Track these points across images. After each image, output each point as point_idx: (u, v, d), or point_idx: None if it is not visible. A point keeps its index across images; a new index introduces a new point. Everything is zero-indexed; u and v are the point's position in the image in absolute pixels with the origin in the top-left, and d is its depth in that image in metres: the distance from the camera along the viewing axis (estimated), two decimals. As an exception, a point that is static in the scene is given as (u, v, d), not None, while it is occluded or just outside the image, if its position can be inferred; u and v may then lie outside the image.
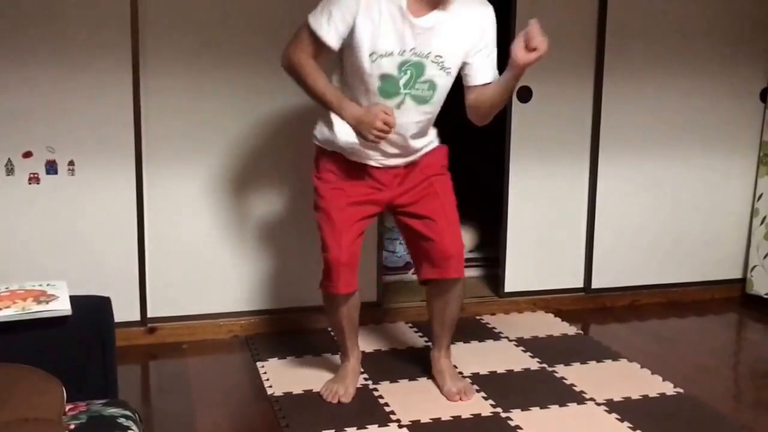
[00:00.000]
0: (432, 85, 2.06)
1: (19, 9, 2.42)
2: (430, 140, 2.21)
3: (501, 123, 2.96)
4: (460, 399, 2.25)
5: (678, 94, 3.06)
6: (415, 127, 2.11)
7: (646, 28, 2.98)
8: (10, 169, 2.50)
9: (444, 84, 2.09)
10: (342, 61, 2.10)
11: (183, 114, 2.62)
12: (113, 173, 2.57)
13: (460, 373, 2.43)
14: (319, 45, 2.03)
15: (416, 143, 2.15)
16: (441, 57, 2.04)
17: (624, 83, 2.98)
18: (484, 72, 2.11)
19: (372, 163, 2.15)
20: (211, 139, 2.66)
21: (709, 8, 3.03)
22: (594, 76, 2.96)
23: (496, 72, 2.13)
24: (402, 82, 2.03)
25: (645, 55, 2.99)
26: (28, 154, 2.50)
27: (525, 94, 2.90)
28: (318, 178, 2.20)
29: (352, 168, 2.16)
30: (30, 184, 2.52)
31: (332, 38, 2.01)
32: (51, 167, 2.52)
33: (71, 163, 2.54)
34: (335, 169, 2.17)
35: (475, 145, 3.64)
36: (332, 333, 2.34)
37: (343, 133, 2.09)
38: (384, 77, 2.02)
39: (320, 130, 2.18)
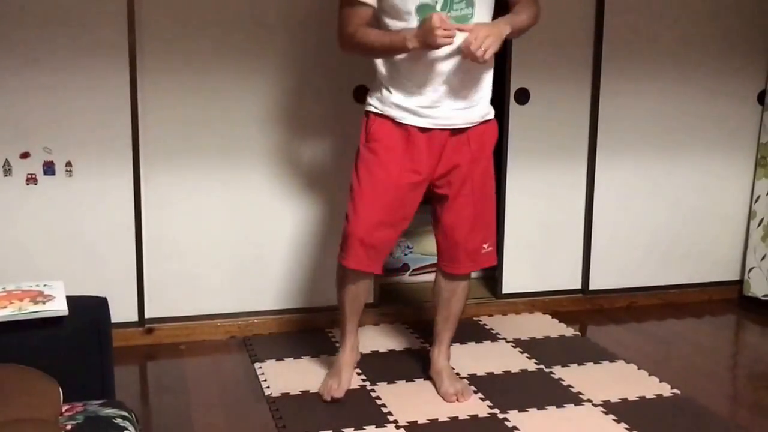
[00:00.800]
0: (470, 2, 2.04)
1: (16, 9, 2.42)
2: (486, 100, 2.17)
3: (498, 125, 2.97)
4: (457, 400, 2.25)
5: (675, 96, 3.07)
6: (471, 67, 2.06)
7: (643, 30, 2.98)
8: (7, 170, 2.50)
9: None
10: (378, 18, 2.10)
11: (180, 114, 2.62)
12: (111, 174, 2.57)
13: (458, 374, 2.44)
14: (359, 10, 2.05)
15: (468, 84, 2.10)
16: None
17: (621, 85, 2.99)
18: None
19: (423, 123, 2.10)
20: (208, 140, 2.66)
21: (707, 10, 3.04)
22: (591, 78, 2.97)
23: None
24: (439, 6, 2.02)
25: (642, 57, 3.00)
26: (25, 155, 2.50)
27: (522, 96, 2.90)
28: (367, 147, 2.14)
29: (402, 132, 2.11)
30: (27, 184, 2.52)
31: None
32: (48, 168, 2.52)
33: (69, 163, 2.54)
34: (389, 139, 2.11)
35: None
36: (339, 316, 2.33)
37: (398, 93, 2.09)
38: (420, 8, 2.02)
39: (375, 97, 2.15)
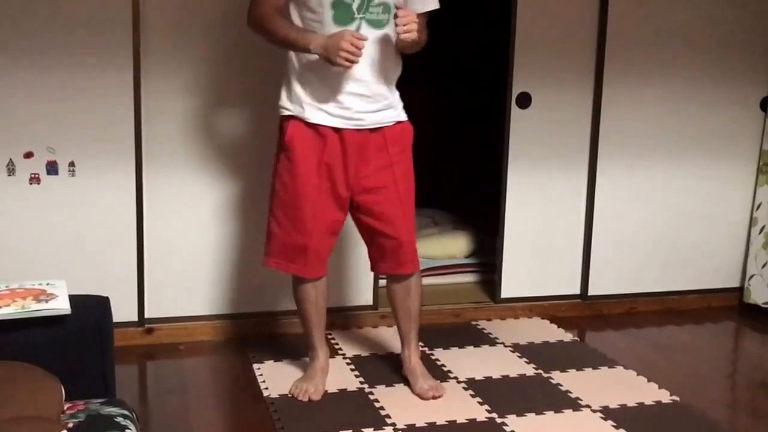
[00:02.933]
0: (386, 8, 2.05)
1: (21, 10, 2.43)
2: (395, 100, 2.18)
3: (499, 129, 2.98)
4: (433, 397, 2.27)
5: (678, 102, 3.07)
6: (376, 55, 2.08)
7: (646, 36, 2.99)
8: (11, 170, 2.50)
9: (394, 6, 2.07)
10: (292, 7, 2.09)
11: (183, 115, 2.63)
12: (113, 174, 2.58)
13: (455, 378, 2.44)
14: None
15: (380, 85, 2.11)
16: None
17: (623, 90, 3.00)
18: (427, 3, 2.13)
19: (336, 123, 2.10)
20: (211, 141, 2.67)
21: (710, 16, 3.04)
22: (594, 83, 2.97)
23: (435, 2, 2.14)
24: (355, 6, 2.03)
25: (645, 63, 3.00)
26: (29, 155, 2.51)
27: (524, 101, 2.91)
28: (285, 156, 2.16)
29: (318, 138, 2.12)
30: (31, 184, 2.52)
31: None
32: (52, 168, 2.53)
33: (72, 163, 2.55)
34: (304, 147, 2.12)
35: (473, 150, 3.66)
36: (302, 325, 2.34)
37: (304, 89, 2.11)
38: (336, 4, 2.02)
39: (285, 98, 2.17)
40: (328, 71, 2.07)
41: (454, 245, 3.38)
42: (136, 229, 2.63)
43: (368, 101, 2.12)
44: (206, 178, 2.68)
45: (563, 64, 2.93)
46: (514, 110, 2.90)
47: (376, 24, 2.06)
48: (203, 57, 2.61)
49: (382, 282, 3.03)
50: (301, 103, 2.12)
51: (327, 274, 2.28)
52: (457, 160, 3.75)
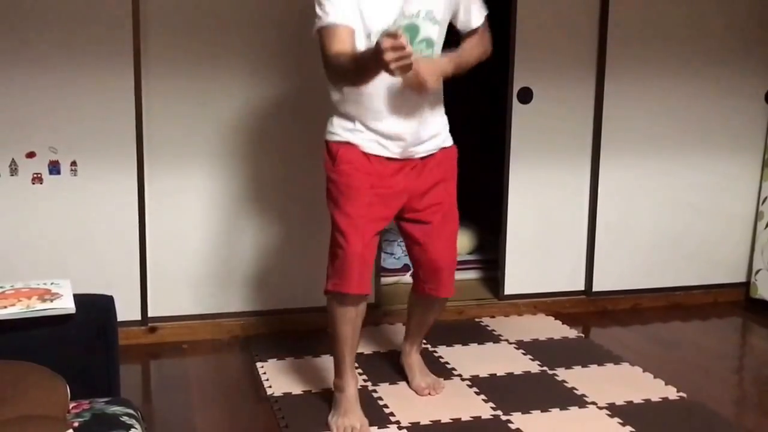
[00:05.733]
0: (429, 43, 2.04)
1: (22, 11, 2.42)
2: (444, 126, 2.17)
3: (501, 124, 2.97)
4: (429, 394, 2.26)
5: (681, 95, 3.05)
6: (427, 101, 2.06)
7: (648, 29, 2.97)
8: (13, 170, 2.50)
9: (439, 37, 2.05)
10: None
11: (184, 114, 2.62)
12: (115, 173, 2.57)
13: (459, 375, 2.43)
14: (339, 35, 1.93)
15: (430, 117, 2.09)
16: (431, 11, 2.02)
17: (626, 84, 2.98)
18: (475, 15, 2.12)
19: (388, 153, 2.06)
20: (212, 140, 2.66)
21: (712, 9, 3.03)
22: (596, 77, 2.96)
23: (484, 8, 2.14)
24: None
25: (647, 56, 2.99)
26: (31, 155, 2.51)
27: (525, 95, 2.90)
28: (335, 171, 2.07)
29: (371, 162, 2.07)
30: (33, 184, 2.52)
31: (341, 16, 1.94)
32: (54, 167, 2.53)
33: (74, 163, 2.54)
34: (354, 162, 2.05)
35: (475, 146, 3.64)
36: (333, 350, 2.16)
37: (364, 118, 2.04)
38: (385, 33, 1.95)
39: (338, 124, 2.08)
40: (377, 98, 2.02)
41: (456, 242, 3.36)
42: (139, 228, 2.62)
43: (417, 134, 2.08)
44: (208, 177, 2.68)
45: (564, 58, 2.91)
46: (516, 105, 2.89)
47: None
48: (203, 57, 2.61)
49: (384, 280, 3.03)
50: (354, 132, 2.06)
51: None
52: (459, 156, 3.73)
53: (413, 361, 2.34)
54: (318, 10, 1.99)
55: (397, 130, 2.05)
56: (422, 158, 2.13)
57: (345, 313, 2.06)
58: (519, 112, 2.90)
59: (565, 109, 2.95)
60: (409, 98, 2.02)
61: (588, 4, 2.90)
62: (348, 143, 2.08)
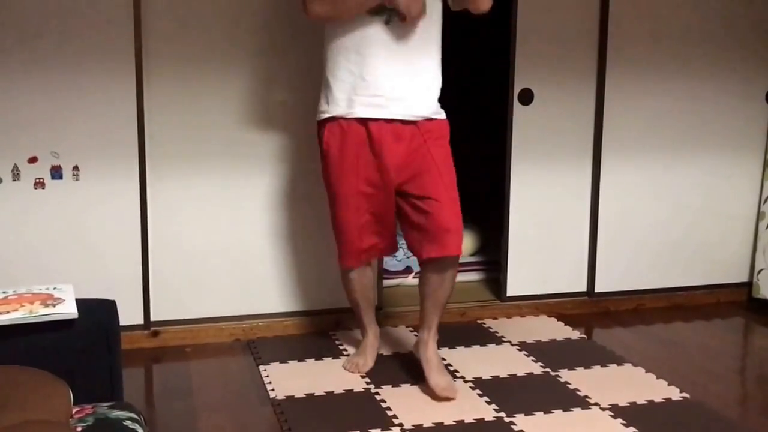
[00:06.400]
0: None
1: (23, 16, 2.43)
2: (434, 95, 2.20)
3: (502, 125, 2.97)
4: (447, 398, 2.24)
5: (681, 96, 3.06)
6: (411, 49, 2.11)
7: (648, 30, 2.98)
8: (16, 175, 2.51)
9: None
10: None
11: (186, 119, 2.63)
12: (117, 178, 2.58)
13: (462, 377, 2.43)
14: None
15: (413, 77, 2.13)
16: None
17: (626, 85, 2.98)
18: None
19: (374, 113, 2.14)
20: (214, 144, 2.67)
21: (713, 10, 3.03)
22: (596, 78, 2.96)
23: None
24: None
25: (647, 57, 2.99)
26: (33, 160, 2.52)
27: (526, 97, 2.90)
28: (321, 150, 2.26)
29: (356, 137, 2.18)
30: (36, 189, 2.53)
31: None
32: (56, 172, 2.53)
33: (76, 168, 2.55)
34: (335, 136, 2.20)
35: (476, 147, 3.64)
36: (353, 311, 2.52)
37: (341, 83, 2.16)
38: None
39: (322, 101, 2.24)
40: (359, 56, 2.11)
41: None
42: (141, 232, 2.63)
43: (400, 90, 2.15)
44: (209, 181, 2.68)
45: (565, 59, 2.92)
46: (517, 107, 2.89)
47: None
48: (205, 60, 2.61)
49: (386, 282, 3.03)
50: (336, 101, 2.18)
51: (371, 263, 2.43)
52: (460, 157, 3.74)
53: (431, 353, 2.29)
54: None
55: (382, 74, 2.10)
56: (405, 123, 2.16)
57: (349, 282, 2.40)
58: (520, 113, 2.90)
59: (565, 111, 2.95)
60: (387, 37, 2.08)
61: (588, 5, 2.91)
62: (331, 119, 2.20)
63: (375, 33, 2.10)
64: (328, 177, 2.28)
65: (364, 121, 2.18)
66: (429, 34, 2.16)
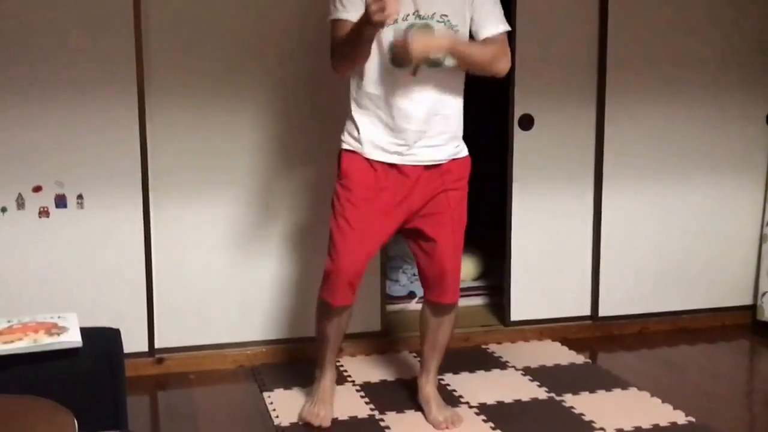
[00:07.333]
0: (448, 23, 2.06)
1: (27, 46, 2.47)
2: (458, 138, 2.18)
3: (503, 150, 2.99)
4: (447, 428, 2.23)
5: (682, 119, 3.07)
6: (436, 96, 2.10)
7: (647, 54, 3.00)
8: (21, 203, 2.53)
9: None
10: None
11: (188, 147, 2.65)
12: (121, 206, 2.60)
13: (466, 403, 2.42)
14: (344, 24, 2.02)
15: (437, 122, 2.12)
16: (446, 15, 2.05)
17: (626, 109, 3.00)
18: (487, 25, 2.11)
19: (392, 159, 2.11)
20: (216, 171, 2.69)
21: (712, 32, 3.05)
22: (596, 103, 2.98)
23: (504, 24, 2.13)
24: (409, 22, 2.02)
25: (647, 81, 3.01)
26: (38, 189, 2.54)
27: (526, 123, 2.92)
28: (340, 184, 2.16)
29: (377, 172, 2.13)
30: (40, 217, 2.55)
31: (354, 15, 1.99)
32: (60, 201, 2.55)
33: (80, 196, 2.57)
34: (356, 172, 2.13)
35: (478, 173, 3.66)
36: (317, 347, 2.34)
37: (367, 127, 2.11)
38: (392, 46, 2.03)
39: (347, 131, 2.18)
40: (385, 104, 2.09)
41: (461, 268, 3.36)
42: (145, 259, 2.64)
43: (425, 139, 2.12)
44: (213, 208, 2.70)
45: (565, 84, 2.94)
46: (517, 132, 2.92)
47: (432, 63, 2.07)
48: (207, 89, 2.64)
49: (390, 308, 3.03)
50: (361, 140, 2.13)
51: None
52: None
53: (429, 394, 2.31)
54: (332, 3, 2.06)
55: (402, 118, 2.08)
56: (427, 167, 2.15)
57: (329, 319, 2.23)
58: (520, 138, 2.92)
59: (566, 135, 2.97)
60: (412, 85, 2.06)
61: (587, 30, 2.94)
62: (353, 152, 2.15)
63: (403, 82, 2.07)
64: (338, 208, 2.16)
65: (382, 163, 2.14)
66: (456, 76, 2.14)
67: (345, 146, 2.18)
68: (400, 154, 2.13)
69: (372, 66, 2.09)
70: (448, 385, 2.57)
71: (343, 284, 2.14)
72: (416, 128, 2.11)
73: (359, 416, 2.34)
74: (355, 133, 2.15)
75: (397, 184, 2.14)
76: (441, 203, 2.18)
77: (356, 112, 2.15)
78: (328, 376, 2.32)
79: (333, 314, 2.22)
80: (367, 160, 2.14)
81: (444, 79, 2.11)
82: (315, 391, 2.32)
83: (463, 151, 2.22)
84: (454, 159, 2.19)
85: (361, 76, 2.11)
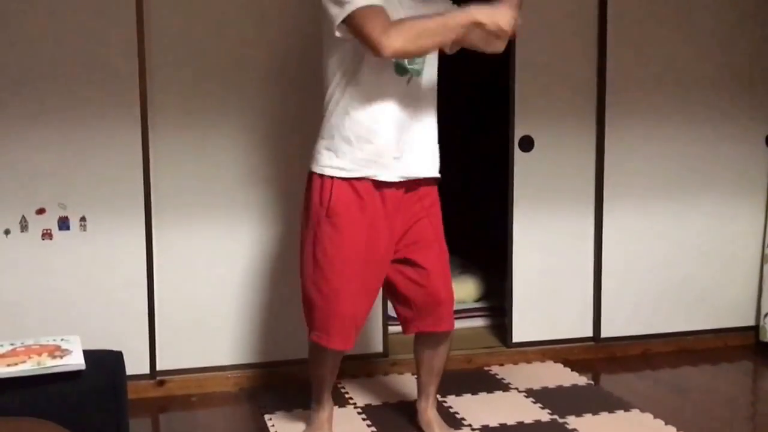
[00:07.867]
0: (422, 58, 2.07)
1: (29, 68, 2.49)
2: (437, 151, 2.17)
3: (504, 171, 3.01)
4: None
5: (682, 140, 3.09)
6: (426, 106, 2.11)
7: (646, 75, 3.02)
8: (24, 226, 2.54)
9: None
10: (344, 51, 2.02)
11: (191, 170, 2.67)
12: (124, 228, 2.61)
13: (469, 425, 2.41)
14: (383, 13, 1.92)
15: (429, 134, 2.12)
16: None
17: (626, 130, 3.02)
18: None
19: (384, 175, 2.03)
20: (219, 193, 2.70)
21: (712, 52, 3.08)
22: (596, 124, 3.00)
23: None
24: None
25: (647, 102, 3.03)
26: (41, 211, 2.56)
27: (526, 144, 2.94)
28: (326, 214, 2.02)
29: (359, 199, 2.03)
30: (43, 239, 2.56)
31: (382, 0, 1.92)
32: (63, 223, 2.57)
33: (83, 218, 2.59)
34: (346, 203, 2.02)
35: (479, 194, 3.68)
36: (312, 382, 2.27)
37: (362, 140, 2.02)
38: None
39: (327, 156, 2.04)
40: (372, 121, 2.02)
41: (462, 289, 3.37)
42: (147, 282, 2.64)
43: (411, 150, 2.10)
44: (215, 231, 2.71)
45: (565, 106, 2.96)
46: (517, 153, 2.93)
47: (417, 73, 2.08)
48: (210, 110, 2.66)
49: (392, 329, 3.02)
50: (347, 159, 2.02)
51: None
52: (462, 204, 3.78)
53: (431, 417, 2.30)
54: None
55: (395, 135, 2.05)
56: (407, 191, 2.11)
57: (325, 361, 2.19)
58: (521, 160, 2.94)
59: (566, 156, 2.99)
60: (405, 108, 2.05)
61: (586, 51, 2.97)
62: (339, 179, 2.02)
63: (391, 94, 2.04)
64: (333, 242, 2.02)
65: (377, 184, 2.05)
66: (433, 92, 2.15)
67: (325, 170, 2.03)
68: (390, 168, 2.05)
69: (361, 77, 2.02)
70: (451, 407, 2.56)
71: (345, 328, 2.05)
72: (405, 141, 2.07)
73: (361, 439, 2.33)
74: (341, 151, 2.01)
75: (384, 209, 2.08)
76: (425, 228, 2.16)
77: (339, 128, 2.03)
78: (326, 409, 2.29)
79: (329, 356, 2.15)
80: (356, 186, 2.03)
81: (428, 91, 2.12)
82: (313, 422, 2.30)
83: (436, 170, 2.17)
84: (433, 177, 2.16)
85: (344, 84, 2.05)
